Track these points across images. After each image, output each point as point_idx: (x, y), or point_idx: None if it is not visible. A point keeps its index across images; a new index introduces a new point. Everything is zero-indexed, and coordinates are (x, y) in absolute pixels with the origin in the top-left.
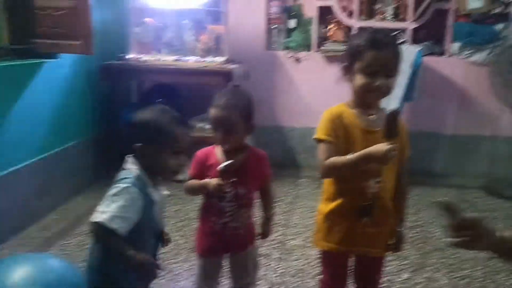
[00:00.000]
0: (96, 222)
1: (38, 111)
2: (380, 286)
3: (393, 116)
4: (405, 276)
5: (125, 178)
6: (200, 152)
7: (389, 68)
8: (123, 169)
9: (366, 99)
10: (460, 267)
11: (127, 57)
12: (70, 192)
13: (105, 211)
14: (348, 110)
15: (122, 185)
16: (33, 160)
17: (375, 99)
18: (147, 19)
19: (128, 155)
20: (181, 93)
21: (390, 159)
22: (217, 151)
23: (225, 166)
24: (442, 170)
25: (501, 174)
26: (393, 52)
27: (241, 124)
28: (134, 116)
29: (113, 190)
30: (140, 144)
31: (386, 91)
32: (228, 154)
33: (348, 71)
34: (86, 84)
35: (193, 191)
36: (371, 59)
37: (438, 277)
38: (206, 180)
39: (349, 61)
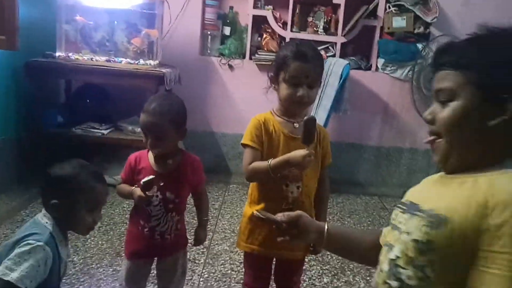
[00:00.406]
0: (4, 281)
1: None
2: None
3: (309, 122)
4: (326, 280)
5: (37, 234)
6: (132, 156)
7: (312, 79)
8: (39, 218)
9: (290, 108)
10: None
11: (55, 54)
12: None
13: (14, 269)
14: (273, 117)
15: (34, 243)
16: None
17: (298, 108)
18: (77, 17)
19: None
20: (111, 94)
21: (308, 164)
22: (149, 155)
23: (146, 181)
24: (366, 180)
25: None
26: (316, 64)
27: (171, 130)
28: (53, 171)
29: (25, 247)
30: (56, 201)
31: (308, 101)
32: (159, 158)
33: (274, 81)
34: (10, 82)
35: (123, 195)
36: (295, 70)
37: (356, 281)
38: (132, 189)
39: (276, 71)
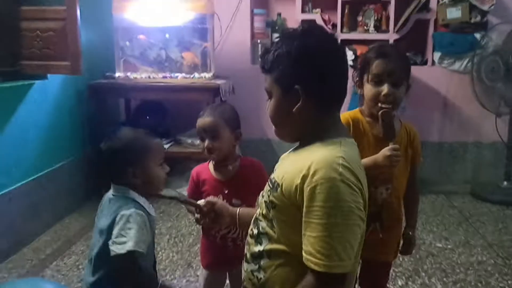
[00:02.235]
0: (123, 254)
1: (28, 132)
2: None
3: (385, 115)
4: (400, 283)
5: (123, 206)
6: (194, 170)
7: (395, 78)
8: (114, 195)
9: (376, 109)
10: (453, 271)
11: (115, 75)
12: (61, 213)
13: (126, 241)
14: (362, 117)
15: (128, 213)
16: (24, 181)
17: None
18: (138, 36)
19: (113, 182)
20: (169, 110)
21: (395, 162)
22: (210, 166)
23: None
24: (430, 178)
25: (486, 179)
26: (398, 62)
27: (226, 130)
28: (112, 144)
29: (121, 220)
30: (131, 169)
31: (394, 100)
32: (219, 165)
33: (360, 85)
34: (75, 104)
35: (190, 211)
36: (376, 68)
37: (432, 283)
38: (191, 209)
39: (360, 74)
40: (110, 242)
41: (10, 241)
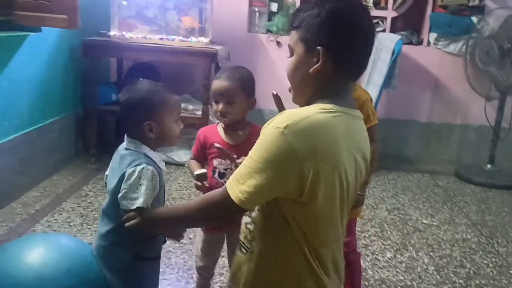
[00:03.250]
0: (134, 208)
1: (20, 86)
2: (353, 252)
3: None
4: (389, 255)
5: (134, 160)
6: (201, 131)
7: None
8: (127, 149)
9: None
10: (439, 247)
11: (109, 33)
12: (50, 169)
13: (136, 197)
14: None
15: (139, 167)
16: (15, 135)
17: None
18: None
19: (128, 134)
20: (162, 72)
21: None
22: (219, 128)
23: (199, 174)
24: (416, 156)
25: (471, 161)
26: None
27: (242, 96)
28: (131, 96)
29: (132, 175)
30: (149, 122)
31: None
32: (229, 129)
33: None
34: (68, 60)
35: (191, 172)
36: None
37: (420, 256)
38: (193, 169)
39: None
40: (119, 196)
41: None
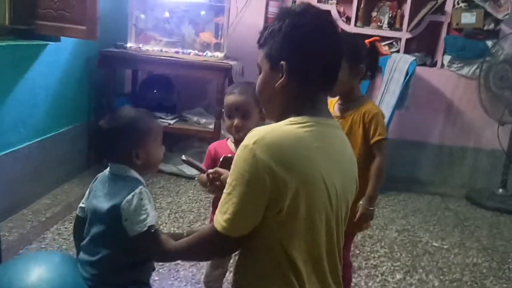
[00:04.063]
0: (147, 229)
1: (38, 93)
2: (346, 265)
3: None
4: (398, 277)
5: (127, 186)
6: (212, 146)
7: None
8: (115, 174)
9: None
10: (450, 270)
11: (126, 45)
12: (62, 178)
13: (146, 218)
14: None
15: (136, 191)
16: (30, 142)
17: None
18: (148, 9)
19: (113, 161)
20: (176, 86)
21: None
22: (229, 144)
23: (226, 157)
24: (427, 178)
25: (483, 185)
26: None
27: (255, 110)
28: (114, 124)
29: (134, 200)
30: (134, 149)
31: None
32: (240, 144)
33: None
34: (84, 70)
35: (202, 185)
36: None
37: (430, 279)
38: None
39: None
40: (126, 223)
41: (11, 201)
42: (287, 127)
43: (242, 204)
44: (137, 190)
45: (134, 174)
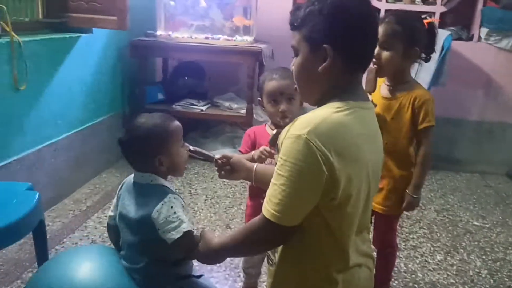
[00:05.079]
0: (183, 234)
1: (73, 86)
2: (391, 247)
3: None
4: (439, 257)
5: (155, 194)
6: (251, 130)
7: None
8: (142, 183)
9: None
10: (492, 250)
11: (156, 33)
12: (100, 167)
13: (180, 224)
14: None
15: (166, 199)
16: (69, 133)
17: None
18: None
19: (138, 170)
20: (207, 71)
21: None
22: (268, 130)
23: (276, 133)
24: (466, 156)
25: None
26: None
27: (297, 94)
28: (134, 136)
29: (164, 208)
30: (157, 157)
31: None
32: (281, 131)
33: None
34: (116, 60)
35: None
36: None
37: (471, 259)
38: (252, 152)
39: None
40: (160, 232)
41: (54, 191)
42: (336, 115)
43: (296, 193)
44: (166, 199)
45: (161, 181)
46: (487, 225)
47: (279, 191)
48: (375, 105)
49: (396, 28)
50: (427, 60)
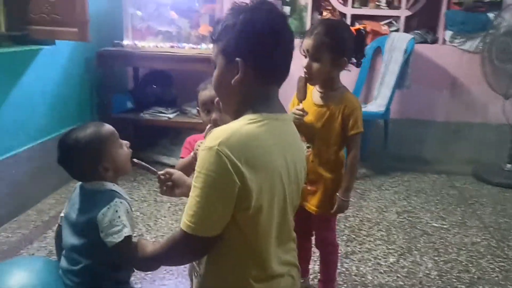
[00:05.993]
0: (123, 239)
1: (36, 97)
2: (332, 245)
3: (298, 80)
4: (392, 260)
5: (102, 200)
6: (191, 138)
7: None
8: (87, 189)
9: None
10: (446, 251)
11: (123, 43)
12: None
13: (121, 229)
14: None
15: (111, 204)
16: (31, 145)
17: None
18: (142, 6)
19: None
20: (175, 79)
21: (296, 118)
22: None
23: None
24: (433, 157)
25: (490, 160)
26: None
27: None
28: (69, 154)
29: (108, 213)
30: (101, 164)
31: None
32: None
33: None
34: (83, 71)
35: (183, 169)
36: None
37: (423, 261)
38: (191, 153)
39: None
40: (102, 235)
41: (15, 203)
42: (248, 127)
43: (209, 204)
44: (112, 203)
45: (109, 186)
46: (445, 226)
47: (194, 203)
48: (307, 113)
49: (324, 39)
50: (358, 65)
